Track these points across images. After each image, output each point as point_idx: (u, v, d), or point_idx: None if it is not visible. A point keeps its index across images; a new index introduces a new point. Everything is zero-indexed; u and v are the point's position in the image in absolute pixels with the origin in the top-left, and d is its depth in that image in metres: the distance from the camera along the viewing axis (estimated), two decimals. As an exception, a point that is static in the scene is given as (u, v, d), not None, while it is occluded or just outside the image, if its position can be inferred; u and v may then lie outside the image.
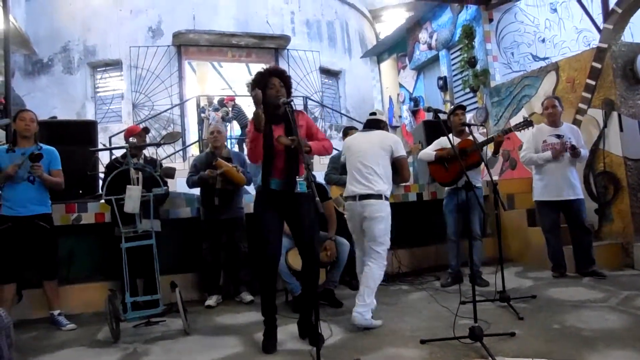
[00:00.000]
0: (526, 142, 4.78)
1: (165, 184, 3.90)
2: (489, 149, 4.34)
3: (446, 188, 4.65)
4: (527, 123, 4.18)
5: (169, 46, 10.02)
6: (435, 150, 4.53)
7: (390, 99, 10.80)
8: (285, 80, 3.08)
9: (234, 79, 12.76)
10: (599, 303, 3.63)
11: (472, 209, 4.23)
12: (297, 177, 2.99)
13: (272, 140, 3.00)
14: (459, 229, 4.42)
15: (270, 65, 3.23)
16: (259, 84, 3.03)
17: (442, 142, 4.54)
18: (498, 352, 2.64)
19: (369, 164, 3.45)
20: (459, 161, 3.59)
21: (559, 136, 4.56)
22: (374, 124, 3.71)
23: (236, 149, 9.21)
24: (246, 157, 4.01)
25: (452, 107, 3.61)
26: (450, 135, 4.36)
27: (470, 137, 4.32)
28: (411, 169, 5.49)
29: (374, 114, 3.79)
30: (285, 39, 10.61)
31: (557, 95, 5.19)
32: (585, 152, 4.62)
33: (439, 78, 8.53)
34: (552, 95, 5.09)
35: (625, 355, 2.58)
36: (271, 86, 3.01)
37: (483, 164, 4.17)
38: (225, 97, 10.24)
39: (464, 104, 8.00)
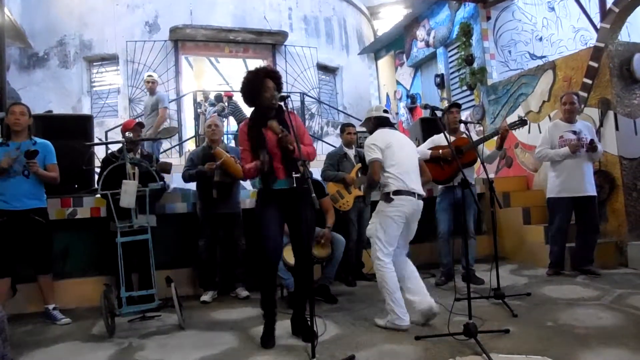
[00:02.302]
0: (542, 138, 4.78)
1: (162, 179, 3.88)
2: (485, 146, 4.33)
3: (440, 186, 4.62)
4: (522, 122, 4.19)
5: (165, 41, 9.97)
6: (430, 149, 4.50)
7: (388, 96, 10.80)
8: (277, 81, 3.09)
9: (231, 74, 12.72)
10: (592, 301, 3.66)
11: (468, 207, 4.23)
12: (294, 173, 2.98)
13: (265, 143, 3.01)
14: (452, 227, 4.42)
15: (262, 66, 3.23)
16: (254, 84, 3.05)
17: (436, 140, 4.52)
18: (492, 349, 2.65)
19: (416, 164, 3.45)
20: (455, 160, 3.57)
21: (574, 132, 4.57)
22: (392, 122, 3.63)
23: (232, 144, 9.17)
24: None
25: (447, 104, 3.61)
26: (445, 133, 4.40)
27: (465, 135, 4.31)
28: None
29: (386, 111, 3.64)
30: (283, 35, 10.57)
31: (576, 91, 5.16)
32: (601, 148, 4.62)
33: (436, 75, 8.52)
34: (571, 91, 5.04)
35: (618, 353, 2.60)
36: (266, 89, 3.03)
37: (479, 162, 4.18)
38: (223, 92, 10.21)
39: (461, 101, 8.03)
